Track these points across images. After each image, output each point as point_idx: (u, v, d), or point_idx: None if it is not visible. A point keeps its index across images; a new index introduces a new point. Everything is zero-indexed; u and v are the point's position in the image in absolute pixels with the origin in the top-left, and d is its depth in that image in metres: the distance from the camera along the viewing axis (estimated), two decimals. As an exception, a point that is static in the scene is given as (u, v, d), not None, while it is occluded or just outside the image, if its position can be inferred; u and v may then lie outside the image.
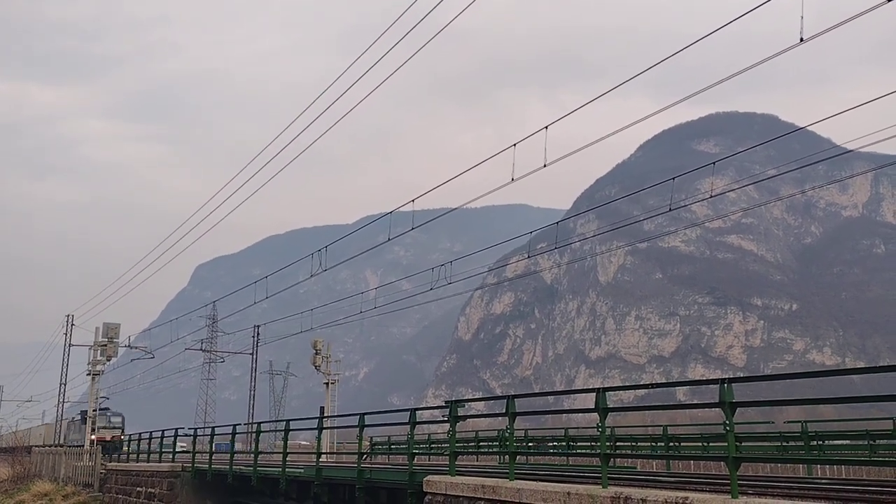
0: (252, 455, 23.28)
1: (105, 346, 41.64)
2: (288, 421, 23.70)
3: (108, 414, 52.66)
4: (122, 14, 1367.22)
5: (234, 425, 26.03)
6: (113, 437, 48.45)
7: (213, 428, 27.83)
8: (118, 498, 31.68)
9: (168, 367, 60.68)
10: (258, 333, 63.49)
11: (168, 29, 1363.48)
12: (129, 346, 48.85)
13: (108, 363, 43.12)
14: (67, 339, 54.55)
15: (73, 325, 54.78)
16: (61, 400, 60.03)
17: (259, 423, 25.49)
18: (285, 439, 21.64)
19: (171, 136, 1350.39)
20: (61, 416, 61.34)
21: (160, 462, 30.04)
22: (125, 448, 43.65)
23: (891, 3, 10.81)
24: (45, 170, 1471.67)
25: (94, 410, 51.88)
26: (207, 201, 34.54)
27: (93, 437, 45.69)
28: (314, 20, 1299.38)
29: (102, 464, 35.72)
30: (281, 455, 20.98)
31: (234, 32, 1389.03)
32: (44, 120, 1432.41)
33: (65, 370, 57.83)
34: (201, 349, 73.95)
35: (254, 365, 64.62)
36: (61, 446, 51.16)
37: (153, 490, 27.66)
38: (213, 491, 26.53)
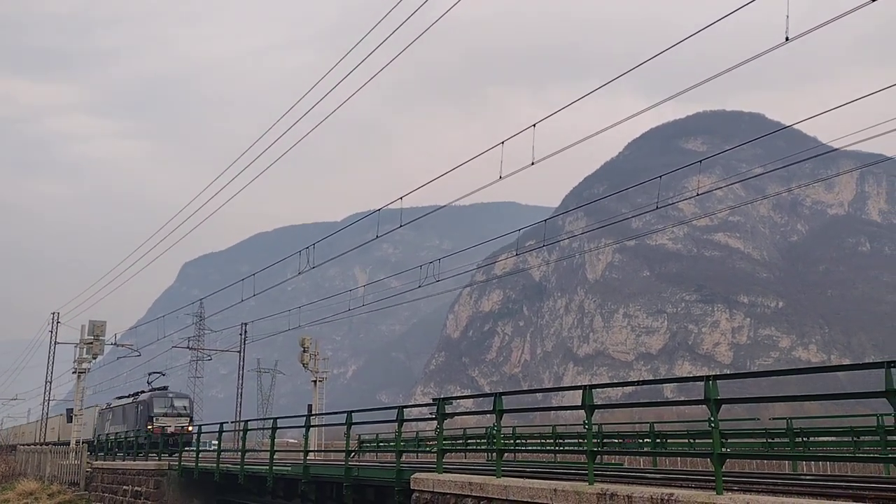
0: (239, 453, 23.22)
1: (91, 343, 41.33)
2: (275, 419, 23.64)
3: (170, 396, 40.12)
4: (111, 9, 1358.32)
5: (221, 423, 25.96)
6: (178, 427, 36.20)
7: (199, 426, 27.74)
8: (104, 496, 31.54)
9: (155, 364, 60.33)
10: (245, 331, 63.26)
11: (157, 24, 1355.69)
12: (115, 343, 48.51)
13: (94, 361, 42.82)
14: (53, 337, 54.23)
15: (58, 322, 54.46)
16: (47, 398, 59.62)
17: (246, 422, 25.40)
18: (272, 437, 21.60)
19: (160, 132, 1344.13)
20: (47, 413, 60.91)
21: (147, 460, 29.90)
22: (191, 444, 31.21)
23: (875, 2, 10.88)
24: (33, 166, 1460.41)
25: (146, 392, 41.65)
26: (195, 198, 34.45)
27: (150, 427, 36.40)
28: (303, 16, 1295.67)
29: (88, 462, 35.53)
30: (268, 453, 20.94)
31: (223, 28, 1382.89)
32: (31, 116, 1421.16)
33: (50, 368, 57.45)
34: (188, 347, 73.62)
35: (241, 363, 64.37)
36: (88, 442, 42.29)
37: (139, 488, 27.54)
38: (200, 489, 26.46)
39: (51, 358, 56.45)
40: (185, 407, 39.53)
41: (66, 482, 36.44)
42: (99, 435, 45.07)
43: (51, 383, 58.95)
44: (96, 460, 36.22)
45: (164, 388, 41.72)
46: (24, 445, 57.43)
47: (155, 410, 38.42)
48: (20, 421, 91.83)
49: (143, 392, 42.38)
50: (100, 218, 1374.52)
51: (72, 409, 45.98)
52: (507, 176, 17.50)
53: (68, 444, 42.47)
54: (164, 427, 36.37)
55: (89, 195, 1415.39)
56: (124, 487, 29.22)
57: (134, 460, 31.19)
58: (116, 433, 40.18)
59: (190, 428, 35.78)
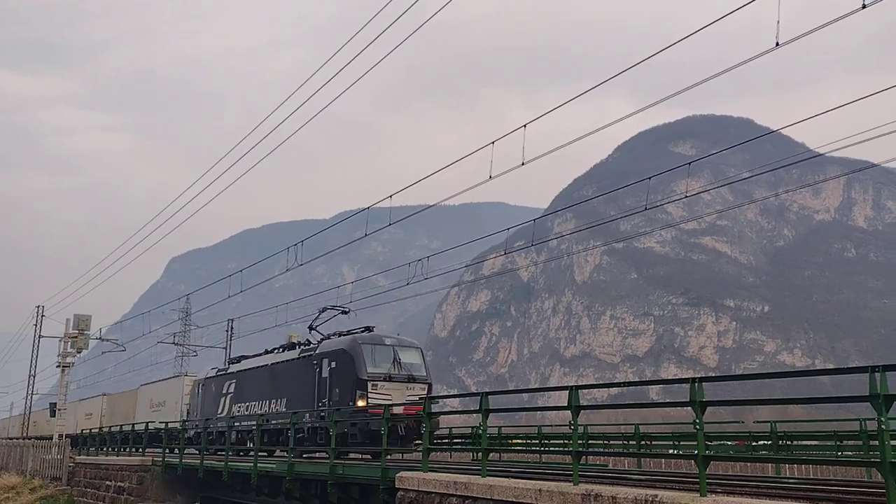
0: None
1: (75, 338, 41.12)
2: (261, 416, 23.56)
3: (390, 343, 22.66)
4: (101, 2, 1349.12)
5: (206, 419, 25.85)
6: (409, 404, 19.38)
7: (183, 421, 27.61)
8: (87, 491, 31.35)
9: (140, 360, 60.05)
10: (232, 327, 62.99)
11: (147, 18, 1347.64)
12: (100, 338, 48.18)
13: (78, 355, 42.59)
14: (37, 331, 53.77)
15: (43, 316, 54.02)
16: (30, 392, 59.15)
17: (232, 418, 25.31)
18: (258, 435, 21.53)
19: (148, 126, 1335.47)
20: (30, 408, 60.42)
21: (130, 456, 29.75)
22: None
23: (865, 8, 10.95)
24: (20, 158, 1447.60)
25: (341, 334, 24.07)
26: (182, 193, 34.35)
27: (359, 402, 20.53)
28: (294, 13, 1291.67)
29: (71, 457, 35.30)
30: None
31: (214, 23, 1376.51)
32: (19, 107, 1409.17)
33: (34, 362, 56.98)
34: (174, 343, 73.30)
35: (227, 359, 64.09)
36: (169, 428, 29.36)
37: (122, 484, 27.40)
38: (184, 485, 26.35)
39: (35, 352, 56.02)
40: (419, 366, 22.56)
41: (49, 477, 36.20)
42: (197, 420, 29.91)
43: (34, 377, 58.47)
44: (79, 455, 36.00)
45: (369, 328, 23.89)
46: (6, 439, 56.94)
47: (368, 370, 21.25)
48: (2, 415, 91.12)
49: (323, 339, 24.52)
50: (87, 212, 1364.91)
51: (55, 403, 45.66)
52: (497, 176, 17.53)
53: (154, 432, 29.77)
54: (384, 402, 18.82)
55: (77, 188, 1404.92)
56: (107, 483, 29.05)
57: (117, 455, 31.01)
58: (261, 416, 22.86)
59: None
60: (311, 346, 24.47)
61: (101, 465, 30.67)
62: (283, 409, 23.81)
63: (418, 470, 13.67)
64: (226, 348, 63.40)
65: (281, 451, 23.89)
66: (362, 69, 18.54)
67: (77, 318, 41.74)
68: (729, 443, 22.22)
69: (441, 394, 25.61)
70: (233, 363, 30.21)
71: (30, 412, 59.56)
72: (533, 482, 10.77)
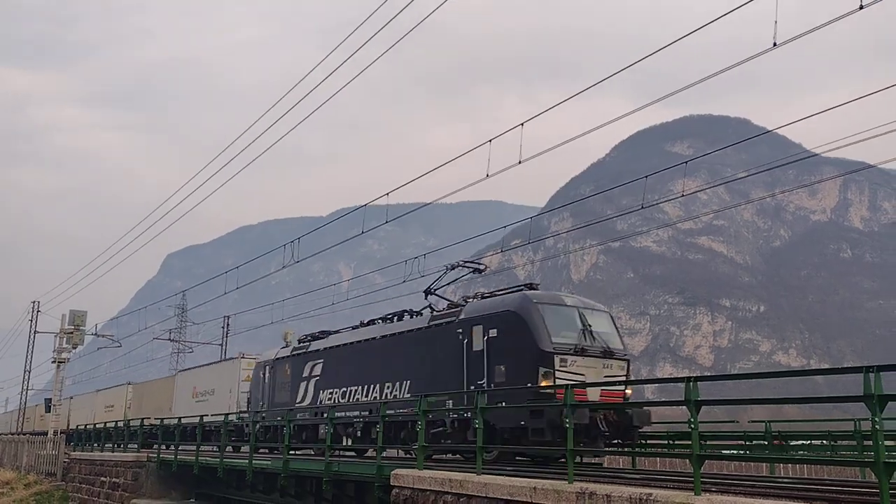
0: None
1: (71, 333, 41.04)
2: (255, 412, 23.57)
3: (572, 304, 16.98)
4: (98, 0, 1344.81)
5: (202, 416, 25.83)
6: (611, 383, 15.64)
7: (179, 419, 27.60)
8: (81, 487, 31.32)
9: (136, 356, 59.96)
10: (228, 324, 62.94)
11: (144, 16, 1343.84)
12: (95, 334, 48.08)
13: (73, 351, 42.52)
14: (33, 326, 53.70)
15: (38, 311, 53.93)
16: (25, 387, 59.08)
17: (227, 415, 25.29)
18: (252, 431, 21.53)
19: (146, 124, 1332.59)
20: (25, 403, 60.35)
21: (125, 452, 29.73)
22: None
23: (863, 9, 10.97)
24: (14, 156, 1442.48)
25: (507, 290, 18.18)
26: (178, 190, 34.33)
27: (544, 383, 14.56)
28: (292, 12, 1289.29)
29: (66, 452, 35.27)
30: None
31: (211, 22, 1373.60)
32: (16, 105, 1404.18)
33: (29, 357, 56.90)
34: (170, 339, 73.23)
35: (223, 356, 64.05)
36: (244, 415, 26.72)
37: (117, 480, 27.39)
38: (179, 482, 26.37)
39: (30, 347, 55.93)
40: (613, 336, 17.26)
41: (44, 472, 36.16)
42: (264, 410, 24.46)
43: (30, 373, 58.40)
44: (75, 451, 35.95)
45: (531, 286, 18.23)
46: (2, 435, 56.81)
47: (552, 339, 15.40)
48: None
49: (457, 303, 18.87)
50: (83, 209, 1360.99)
51: (50, 399, 45.57)
52: (495, 174, 17.50)
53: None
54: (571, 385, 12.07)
55: (71, 187, 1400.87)
56: (102, 479, 29.02)
57: (112, 451, 30.98)
58: (384, 404, 16.47)
59: (629, 391, 17.54)
60: (450, 309, 18.40)
61: (96, 460, 30.63)
62: (407, 395, 17.94)
63: (414, 467, 13.68)
64: (222, 345, 63.40)
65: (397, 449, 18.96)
66: (360, 66, 18.55)
67: (73, 314, 41.65)
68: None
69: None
70: (315, 339, 23.80)
71: (25, 407, 59.50)
72: (528, 480, 10.78)
